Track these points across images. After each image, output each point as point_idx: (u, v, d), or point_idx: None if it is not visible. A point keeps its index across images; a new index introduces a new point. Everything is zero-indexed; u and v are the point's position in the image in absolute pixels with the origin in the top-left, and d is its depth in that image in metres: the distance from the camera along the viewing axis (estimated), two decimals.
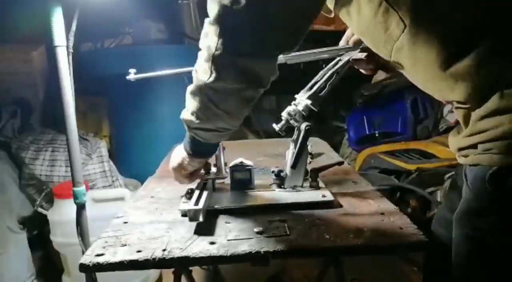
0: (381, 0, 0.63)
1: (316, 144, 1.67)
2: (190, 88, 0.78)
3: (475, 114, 0.64)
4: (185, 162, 0.94)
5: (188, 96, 0.79)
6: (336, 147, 2.96)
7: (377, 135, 2.81)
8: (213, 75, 0.71)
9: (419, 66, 0.67)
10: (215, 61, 0.69)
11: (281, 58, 1.01)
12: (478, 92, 0.62)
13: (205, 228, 0.83)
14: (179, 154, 0.95)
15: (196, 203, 0.85)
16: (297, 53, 1.06)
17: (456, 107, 0.69)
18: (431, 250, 0.99)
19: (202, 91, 0.75)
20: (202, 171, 1.03)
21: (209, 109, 0.77)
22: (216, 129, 0.82)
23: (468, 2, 0.61)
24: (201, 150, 0.90)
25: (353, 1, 0.67)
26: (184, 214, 0.91)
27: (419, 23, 0.63)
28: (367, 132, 2.84)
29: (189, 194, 0.98)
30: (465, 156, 0.69)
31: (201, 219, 0.82)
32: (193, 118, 0.80)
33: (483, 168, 0.64)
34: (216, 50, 0.68)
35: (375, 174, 2.45)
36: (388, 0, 0.63)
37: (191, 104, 0.79)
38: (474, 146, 0.66)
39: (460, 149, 0.71)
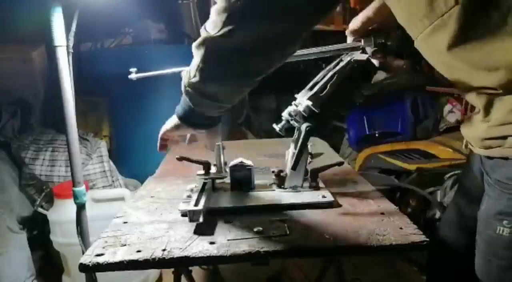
0: None
1: (316, 144, 1.67)
2: (195, 42, 0.74)
3: (504, 103, 0.60)
4: (175, 125, 0.91)
5: (193, 51, 0.75)
6: (336, 147, 2.96)
7: (377, 135, 2.81)
8: (224, 29, 0.66)
9: (453, 51, 0.60)
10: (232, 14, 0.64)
11: None
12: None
13: (205, 228, 0.83)
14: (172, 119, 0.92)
15: (196, 203, 0.85)
16: (297, 52, 1.06)
17: (479, 93, 0.64)
18: (437, 252, 0.98)
19: (206, 44, 0.70)
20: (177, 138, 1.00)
21: (206, 68, 0.73)
22: (209, 97, 0.78)
23: None
24: (191, 118, 0.86)
25: None
26: (184, 214, 0.91)
27: (474, 4, 0.56)
28: (367, 132, 2.84)
29: (188, 194, 0.98)
30: (488, 147, 0.66)
31: (201, 219, 0.82)
32: (190, 74, 0.76)
33: None
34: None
35: (375, 174, 2.45)
36: None
37: (193, 60, 0.75)
38: (504, 137, 0.62)
39: (484, 139, 0.66)
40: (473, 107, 0.72)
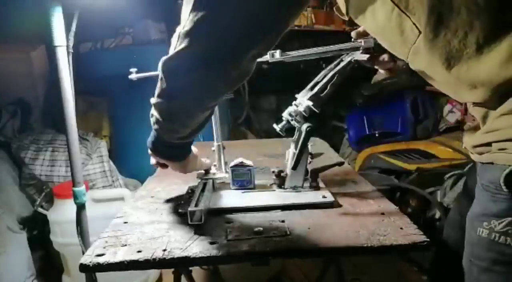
0: (393, 6, 0.63)
1: (316, 144, 1.67)
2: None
3: (493, 113, 0.64)
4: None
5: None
6: (336, 147, 2.96)
7: (377, 135, 2.81)
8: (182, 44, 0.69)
9: (436, 70, 0.66)
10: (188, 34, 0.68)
11: (279, 57, 1.02)
12: (497, 95, 0.61)
13: (205, 229, 0.83)
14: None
15: (196, 204, 0.85)
16: (296, 52, 1.06)
17: (474, 106, 0.68)
18: (440, 252, 0.99)
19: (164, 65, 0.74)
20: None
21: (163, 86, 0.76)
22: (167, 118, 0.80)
23: (485, 12, 0.59)
24: (157, 147, 0.90)
25: (367, 8, 0.67)
26: (183, 215, 0.91)
27: (434, 30, 0.62)
28: (367, 132, 2.84)
29: (189, 194, 0.98)
30: (480, 153, 0.69)
31: (201, 220, 0.81)
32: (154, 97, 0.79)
33: (498, 167, 0.63)
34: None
35: (375, 174, 2.45)
36: (399, 6, 0.62)
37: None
38: (489, 144, 0.65)
39: (475, 146, 0.70)
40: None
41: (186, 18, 0.66)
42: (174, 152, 0.91)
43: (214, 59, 0.69)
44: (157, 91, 0.78)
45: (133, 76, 1.13)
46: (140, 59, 2.35)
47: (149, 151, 0.93)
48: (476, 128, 0.75)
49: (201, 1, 0.64)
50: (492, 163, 0.65)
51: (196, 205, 0.84)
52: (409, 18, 0.62)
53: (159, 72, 0.75)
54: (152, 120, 0.83)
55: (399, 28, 0.65)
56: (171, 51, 0.72)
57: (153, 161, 0.98)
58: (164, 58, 0.73)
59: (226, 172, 1.06)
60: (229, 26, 0.66)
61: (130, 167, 2.49)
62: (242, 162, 1.04)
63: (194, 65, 0.69)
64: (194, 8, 0.64)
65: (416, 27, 0.62)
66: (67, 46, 1.23)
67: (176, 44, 0.70)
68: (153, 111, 0.82)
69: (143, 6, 2.47)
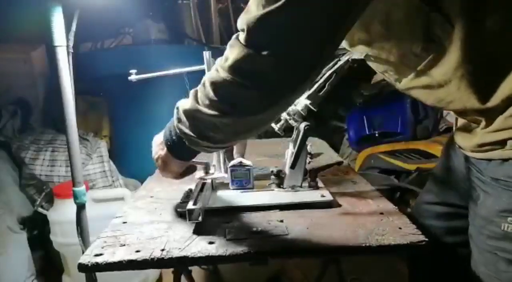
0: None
1: (315, 144, 1.67)
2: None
3: (506, 111, 0.66)
4: (163, 155, 0.83)
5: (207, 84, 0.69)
6: (336, 147, 2.96)
7: (377, 135, 2.81)
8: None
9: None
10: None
11: None
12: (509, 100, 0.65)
13: (204, 228, 0.83)
14: (157, 142, 0.85)
15: (195, 202, 0.85)
16: None
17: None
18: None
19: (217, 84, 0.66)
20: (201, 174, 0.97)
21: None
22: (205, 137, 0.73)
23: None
24: (180, 151, 0.80)
25: None
26: (182, 214, 0.91)
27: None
28: (367, 132, 2.84)
29: (188, 194, 0.98)
30: (487, 151, 0.71)
31: (200, 218, 0.82)
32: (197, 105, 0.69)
33: None
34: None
35: (375, 174, 2.45)
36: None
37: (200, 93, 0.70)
38: (502, 142, 0.68)
39: (481, 145, 0.72)
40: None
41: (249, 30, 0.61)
42: (187, 153, 0.82)
43: (291, 69, 0.63)
44: (196, 106, 0.69)
45: (133, 77, 1.13)
46: (140, 59, 2.37)
47: (160, 144, 0.84)
48: (468, 129, 0.79)
49: (275, 13, 0.58)
50: (508, 159, 0.67)
51: (194, 204, 0.84)
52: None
53: (207, 91, 0.67)
54: (180, 126, 0.75)
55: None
56: (224, 67, 0.64)
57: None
58: (214, 80, 0.65)
59: (225, 171, 1.06)
60: (304, 38, 0.61)
61: (130, 167, 2.49)
62: (241, 162, 1.04)
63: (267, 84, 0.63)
64: (265, 18, 0.59)
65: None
66: (67, 46, 1.23)
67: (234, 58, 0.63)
68: (183, 124, 0.74)
69: (143, 6, 2.48)
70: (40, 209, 1.97)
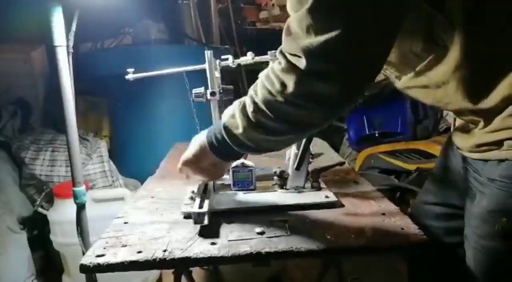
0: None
1: (316, 144, 1.67)
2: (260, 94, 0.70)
3: (504, 112, 0.67)
4: (204, 154, 0.85)
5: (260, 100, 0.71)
6: (336, 147, 2.95)
7: (377, 135, 2.81)
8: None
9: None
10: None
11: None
12: (508, 101, 0.66)
13: (209, 230, 0.83)
14: (198, 142, 0.86)
15: (201, 205, 0.85)
16: None
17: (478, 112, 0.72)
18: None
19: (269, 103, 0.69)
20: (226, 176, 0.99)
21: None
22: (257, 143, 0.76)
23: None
24: (227, 152, 0.82)
25: None
26: (187, 216, 0.91)
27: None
28: (367, 132, 2.83)
29: (191, 195, 0.98)
30: (484, 151, 0.72)
31: (206, 221, 0.81)
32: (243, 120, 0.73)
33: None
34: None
35: (375, 174, 2.45)
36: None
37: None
38: (499, 142, 0.68)
39: (479, 145, 0.73)
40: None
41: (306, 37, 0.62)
42: (232, 154, 0.84)
43: (354, 78, 0.65)
44: (253, 115, 0.71)
45: (130, 76, 1.12)
46: (140, 59, 2.37)
47: (202, 143, 0.85)
48: (466, 129, 0.79)
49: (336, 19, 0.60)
50: (505, 160, 0.68)
51: (200, 207, 0.83)
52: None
53: (264, 114, 0.70)
54: (233, 130, 0.76)
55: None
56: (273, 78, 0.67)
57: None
58: (266, 98, 0.68)
59: (227, 172, 1.05)
60: (367, 43, 0.63)
61: (130, 167, 2.49)
62: (243, 163, 1.04)
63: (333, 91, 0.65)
64: (325, 46, 0.60)
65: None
66: (67, 46, 1.23)
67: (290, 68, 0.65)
68: (237, 129, 0.75)
69: (143, 6, 2.48)
70: (40, 209, 1.97)
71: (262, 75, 0.72)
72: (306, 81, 0.64)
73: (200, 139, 0.86)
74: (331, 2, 0.59)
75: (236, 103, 0.77)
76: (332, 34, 0.59)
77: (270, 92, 0.68)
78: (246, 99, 0.74)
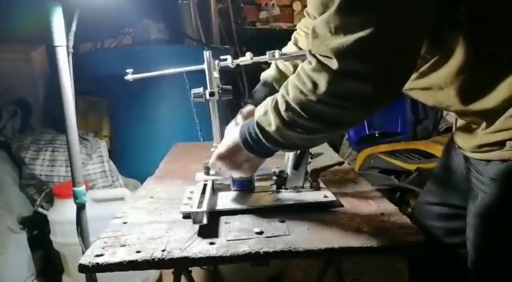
0: None
1: None
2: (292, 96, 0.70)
3: (506, 113, 0.67)
4: (238, 149, 0.84)
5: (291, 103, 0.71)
6: (336, 147, 2.96)
7: (377, 135, 2.81)
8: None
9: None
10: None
11: (279, 56, 1.02)
12: (510, 102, 0.66)
13: (208, 230, 0.83)
14: (232, 137, 0.85)
15: (200, 205, 0.85)
16: (296, 52, 1.06)
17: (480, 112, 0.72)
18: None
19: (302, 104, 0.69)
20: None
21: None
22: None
23: None
24: (260, 148, 0.81)
25: None
26: (185, 216, 0.91)
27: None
28: (367, 132, 2.84)
29: (189, 195, 0.98)
30: (486, 152, 0.72)
31: (205, 221, 0.81)
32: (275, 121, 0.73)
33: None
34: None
35: (375, 174, 2.45)
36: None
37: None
38: (501, 142, 0.68)
39: (480, 146, 0.73)
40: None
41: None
42: (266, 150, 0.83)
43: (387, 79, 0.65)
44: (289, 115, 0.71)
45: (129, 77, 1.12)
46: (140, 59, 2.37)
47: (235, 138, 0.84)
48: (468, 129, 0.79)
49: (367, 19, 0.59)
50: (507, 160, 0.68)
51: (199, 206, 0.83)
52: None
53: (297, 113, 0.70)
54: (265, 127, 0.76)
55: None
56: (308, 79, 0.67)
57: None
58: (302, 98, 0.68)
59: None
60: (398, 43, 0.62)
61: (130, 167, 2.49)
62: None
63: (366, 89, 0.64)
64: (356, 46, 0.60)
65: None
66: (67, 46, 1.23)
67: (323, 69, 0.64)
68: (270, 126, 0.75)
69: (143, 6, 2.48)
70: (40, 209, 1.97)
71: (291, 76, 0.72)
72: (338, 81, 0.63)
73: (234, 134, 0.85)
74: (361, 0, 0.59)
75: (269, 100, 0.77)
76: (364, 32, 0.58)
77: (301, 92, 0.68)
78: (278, 97, 0.74)
